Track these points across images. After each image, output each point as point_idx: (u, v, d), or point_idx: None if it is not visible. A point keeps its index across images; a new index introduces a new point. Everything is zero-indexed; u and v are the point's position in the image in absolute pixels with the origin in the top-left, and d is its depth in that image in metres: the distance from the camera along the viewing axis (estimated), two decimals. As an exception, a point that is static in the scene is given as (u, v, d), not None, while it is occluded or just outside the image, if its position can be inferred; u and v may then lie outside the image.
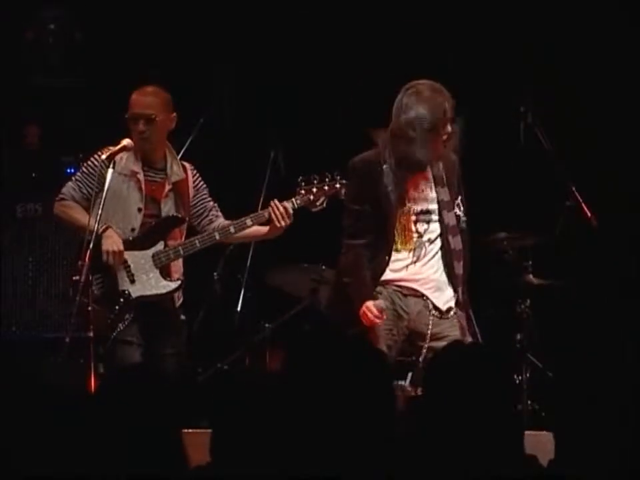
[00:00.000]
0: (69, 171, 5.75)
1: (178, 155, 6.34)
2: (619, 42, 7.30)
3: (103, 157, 5.42)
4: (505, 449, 2.78)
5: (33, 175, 7.33)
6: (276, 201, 5.51)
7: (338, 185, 5.50)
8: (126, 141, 5.45)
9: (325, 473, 2.66)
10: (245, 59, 7.63)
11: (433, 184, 5.16)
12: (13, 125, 7.52)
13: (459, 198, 5.23)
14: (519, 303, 6.78)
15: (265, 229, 5.59)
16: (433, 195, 5.18)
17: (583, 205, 6.59)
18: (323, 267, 6.60)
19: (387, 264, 5.11)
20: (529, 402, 6.47)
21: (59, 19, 7.67)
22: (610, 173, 7.25)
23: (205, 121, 7.15)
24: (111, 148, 5.50)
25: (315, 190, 5.52)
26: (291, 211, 5.49)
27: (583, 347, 3.06)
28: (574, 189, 6.61)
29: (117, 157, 5.40)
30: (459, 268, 5.17)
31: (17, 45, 7.66)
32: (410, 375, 6.29)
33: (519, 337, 6.77)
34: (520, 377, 6.63)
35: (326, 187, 5.52)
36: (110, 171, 5.32)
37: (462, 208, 5.23)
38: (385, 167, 5.12)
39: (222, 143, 7.48)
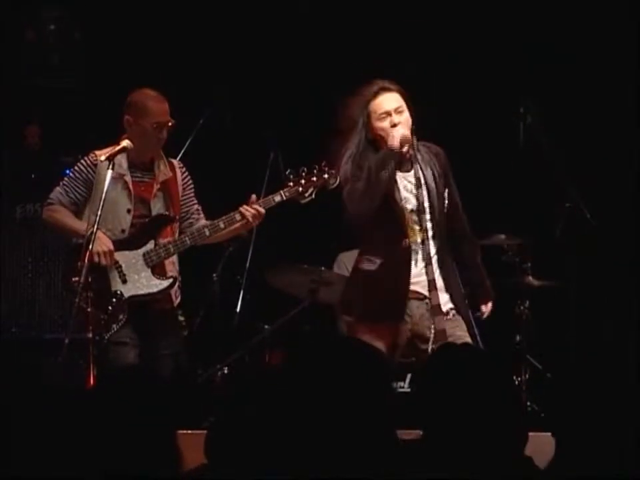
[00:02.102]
0: (68, 171, 5.75)
1: (178, 155, 6.36)
2: (619, 42, 7.30)
3: (102, 157, 5.41)
4: (503, 451, 2.78)
5: (33, 175, 7.33)
6: (245, 207, 5.53)
7: (326, 176, 5.50)
8: (125, 142, 5.44)
9: (325, 473, 2.66)
10: (245, 60, 7.63)
11: (414, 185, 5.15)
12: (13, 125, 7.52)
13: (446, 190, 5.20)
14: (519, 304, 6.79)
15: (238, 224, 5.61)
16: (416, 195, 5.17)
17: (583, 206, 6.59)
18: (322, 268, 6.59)
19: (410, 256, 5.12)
20: (528, 403, 6.46)
21: (59, 20, 7.67)
22: (610, 173, 7.26)
23: (205, 122, 7.15)
24: (97, 152, 5.51)
25: (303, 182, 5.53)
26: (262, 211, 5.51)
27: (583, 348, 3.07)
28: (574, 189, 6.61)
29: (105, 159, 5.40)
30: (430, 272, 5.11)
31: (17, 46, 7.66)
32: (409, 376, 6.31)
33: (518, 338, 6.77)
34: (519, 378, 6.63)
35: (314, 178, 5.52)
36: (109, 172, 5.32)
37: (446, 201, 5.20)
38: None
39: (221, 144, 7.48)
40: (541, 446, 3.39)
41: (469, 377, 2.83)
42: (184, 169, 5.75)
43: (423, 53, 7.39)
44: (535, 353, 6.78)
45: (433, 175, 5.16)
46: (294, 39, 7.61)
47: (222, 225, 5.58)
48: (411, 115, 5.10)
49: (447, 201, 5.17)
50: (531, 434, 2.90)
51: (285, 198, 5.54)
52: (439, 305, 5.06)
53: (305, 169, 5.53)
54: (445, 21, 7.50)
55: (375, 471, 2.68)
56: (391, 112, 5.07)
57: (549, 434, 2.97)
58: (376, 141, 5.11)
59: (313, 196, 5.55)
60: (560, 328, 7.12)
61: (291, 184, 5.55)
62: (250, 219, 5.52)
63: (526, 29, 7.41)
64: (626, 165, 7.32)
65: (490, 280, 5.37)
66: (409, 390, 6.31)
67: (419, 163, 5.12)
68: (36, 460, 2.74)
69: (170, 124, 5.54)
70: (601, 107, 7.33)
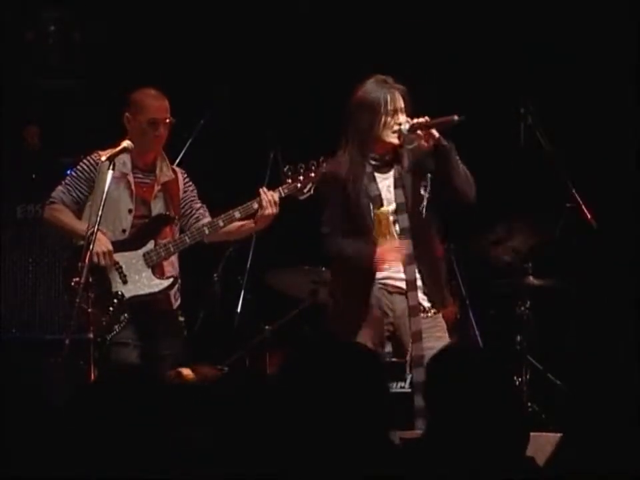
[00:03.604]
0: (68, 172, 5.76)
1: (178, 156, 6.36)
2: (619, 42, 7.30)
3: (103, 158, 5.42)
4: (504, 451, 2.78)
5: (33, 176, 7.32)
6: (264, 188, 5.53)
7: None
8: (126, 143, 5.45)
9: (321, 473, 2.66)
10: (245, 59, 7.63)
11: (393, 186, 5.14)
12: (13, 125, 7.52)
13: (422, 186, 5.17)
14: (519, 304, 6.78)
15: (252, 223, 5.60)
16: (393, 196, 5.16)
17: (583, 206, 6.59)
18: (323, 269, 6.59)
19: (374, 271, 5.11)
20: (529, 404, 6.46)
21: (59, 20, 7.67)
22: (610, 174, 7.25)
23: (205, 122, 7.15)
24: (100, 152, 5.52)
25: (301, 178, 5.52)
26: (277, 199, 5.50)
27: (583, 349, 3.07)
28: (574, 190, 6.61)
29: (106, 159, 5.40)
30: (410, 273, 5.08)
31: (17, 46, 7.66)
32: (409, 377, 6.30)
33: (519, 338, 6.77)
34: (520, 379, 6.63)
35: (312, 174, 5.51)
36: (110, 172, 5.32)
37: (428, 188, 5.16)
38: (368, 169, 5.13)
39: (221, 143, 7.48)
40: (541, 446, 3.39)
41: (469, 378, 2.83)
42: (185, 176, 5.77)
43: (422, 53, 7.38)
44: (535, 353, 6.78)
45: (410, 169, 5.14)
46: (294, 38, 7.61)
47: (221, 223, 5.58)
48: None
49: (426, 196, 5.14)
50: (531, 434, 2.90)
51: (283, 194, 5.55)
52: (416, 306, 5.06)
53: (303, 165, 5.53)
54: (445, 21, 7.50)
55: (373, 472, 2.68)
56: (399, 110, 5.08)
57: (550, 434, 2.97)
58: (374, 141, 5.09)
59: (312, 192, 5.55)
60: (560, 328, 7.12)
61: (289, 180, 5.55)
62: (267, 207, 5.50)
63: (526, 29, 7.40)
64: (626, 165, 7.32)
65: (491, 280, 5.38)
66: (409, 390, 6.31)
67: (401, 162, 5.12)
68: (36, 460, 2.74)
69: (168, 121, 5.54)
70: (601, 107, 7.32)
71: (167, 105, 5.59)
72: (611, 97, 7.30)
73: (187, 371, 5.80)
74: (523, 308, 6.77)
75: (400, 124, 5.05)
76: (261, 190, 5.53)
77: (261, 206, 5.51)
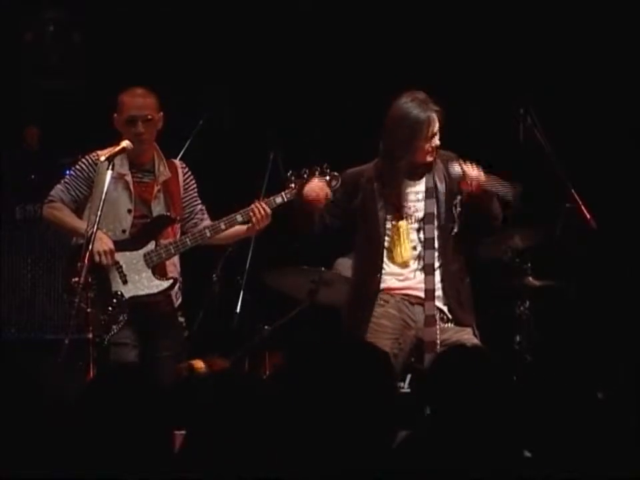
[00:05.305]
0: (69, 170, 5.76)
1: (177, 156, 6.35)
2: (619, 42, 7.30)
3: (102, 158, 5.42)
4: (504, 451, 2.78)
5: (32, 176, 7.33)
6: (257, 203, 5.52)
7: (328, 177, 5.48)
8: (125, 143, 5.45)
9: (328, 475, 2.66)
10: (245, 59, 7.63)
11: (424, 194, 5.13)
12: (13, 126, 7.52)
13: (458, 198, 5.16)
14: (519, 304, 6.78)
15: (244, 227, 5.60)
16: (423, 205, 5.15)
17: (583, 206, 6.58)
18: (322, 269, 6.58)
19: (379, 281, 5.10)
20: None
21: (58, 21, 7.68)
22: (610, 174, 7.26)
23: (204, 123, 7.15)
24: (99, 152, 5.52)
25: (304, 183, 5.52)
26: (270, 212, 5.50)
27: (582, 349, 3.07)
28: (573, 190, 6.61)
29: (105, 159, 5.40)
30: (429, 282, 5.10)
31: (17, 47, 7.67)
32: (409, 376, 6.30)
33: (518, 338, 6.77)
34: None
35: (315, 180, 5.51)
36: (109, 172, 5.32)
37: (458, 208, 5.16)
38: (375, 183, 5.13)
39: (221, 144, 7.48)
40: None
41: (468, 378, 2.83)
42: (186, 169, 5.74)
43: (422, 53, 7.38)
44: (534, 354, 6.77)
45: (445, 183, 5.12)
46: (294, 38, 7.61)
47: (223, 226, 5.57)
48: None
49: (458, 209, 5.13)
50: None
51: (286, 199, 5.54)
52: (432, 316, 5.05)
53: (307, 171, 5.51)
54: (445, 22, 7.50)
55: (377, 471, 2.68)
56: (435, 134, 5.05)
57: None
58: (406, 159, 5.07)
59: None
60: (560, 328, 7.11)
61: (293, 185, 5.54)
62: (258, 218, 5.50)
63: (526, 28, 7.41)
64: (626, 164, 7.32)
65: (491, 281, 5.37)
66: (408, 390, 6.31)
67: (433, 172, 5.11)
68: (35, 459, 2.74)
69: (150, 118, 5.51)
70: (601, 106, 7.33)
71: (147, 102, 5.54)
72: (611, 96, 7.30)
73: (198, 364, 5.80)
74: (522, 308, 6.77)
75: (434, 147, 5.05)
76: (253, 206, 5.51)
77: (251, 221, 5.51)
